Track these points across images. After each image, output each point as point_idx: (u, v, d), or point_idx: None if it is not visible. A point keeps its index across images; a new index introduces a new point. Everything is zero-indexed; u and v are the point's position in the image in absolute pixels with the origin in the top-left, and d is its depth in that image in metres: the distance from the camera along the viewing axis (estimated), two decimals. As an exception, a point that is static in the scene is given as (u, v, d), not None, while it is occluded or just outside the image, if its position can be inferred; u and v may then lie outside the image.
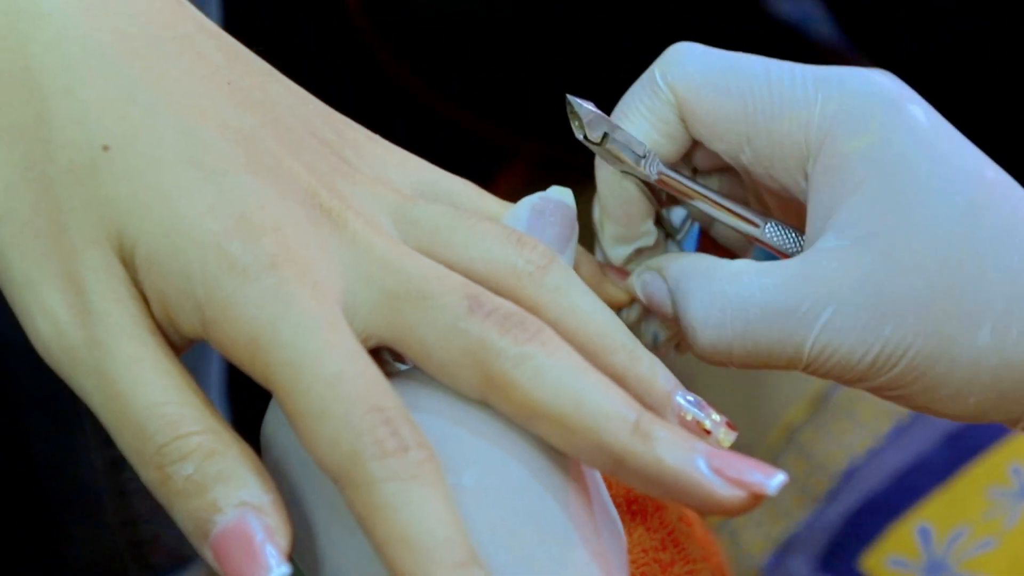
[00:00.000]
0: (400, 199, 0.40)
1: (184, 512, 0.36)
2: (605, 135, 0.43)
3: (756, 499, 0.35)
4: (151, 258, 0.36)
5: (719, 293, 0.42)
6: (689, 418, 0.38)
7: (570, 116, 0.43)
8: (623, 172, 0.44)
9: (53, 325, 0.37)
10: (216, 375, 0.63)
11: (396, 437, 0.34)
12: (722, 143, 0.43)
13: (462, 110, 0.87)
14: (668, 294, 0.43)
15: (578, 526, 0.37)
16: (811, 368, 0.41)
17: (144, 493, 0.58)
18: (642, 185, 0.44)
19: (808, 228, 0.42)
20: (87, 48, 0.38)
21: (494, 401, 0.37)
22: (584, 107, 0.43)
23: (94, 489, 0.58)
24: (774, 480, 0.36)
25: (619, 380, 0.37)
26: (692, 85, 0.43)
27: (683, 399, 0.39)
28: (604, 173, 0.45)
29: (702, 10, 0.87)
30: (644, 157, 0.43)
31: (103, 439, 0.56)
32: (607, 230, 0.46)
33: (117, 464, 0.57)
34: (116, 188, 0.37)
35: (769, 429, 0.51)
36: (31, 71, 0.38)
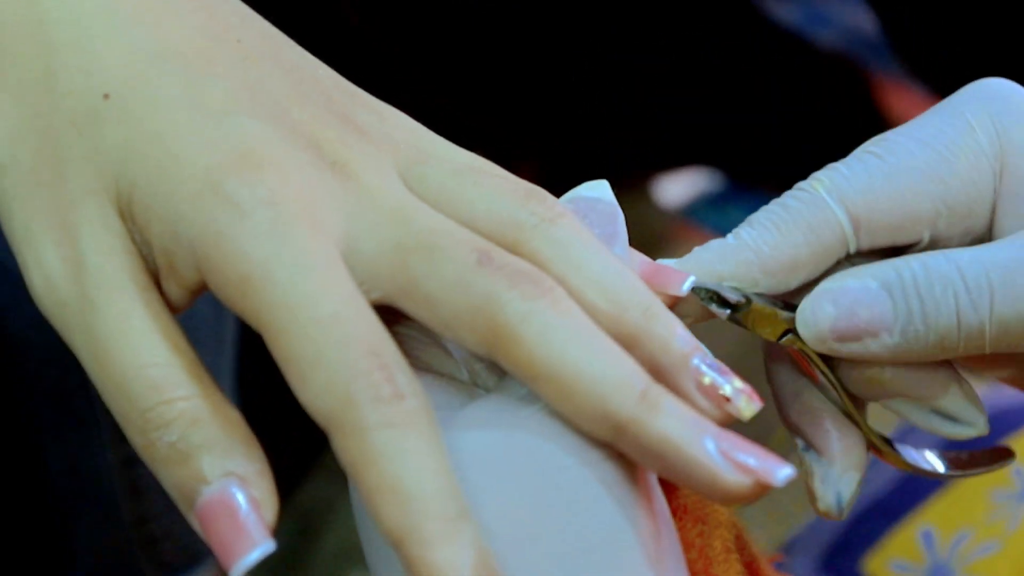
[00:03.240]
0: (408, 157, 0.38)
1: (169, 479, 0.35)
2: (746, 299, 0.39)
3: (761, 489, 0.34)
4: (146, 203, 0.36)
5: (990, 262, 0.38)
6: (707, 382, 0.36)
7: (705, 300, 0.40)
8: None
9: (45, 278, 0.36)
10: (228, 368, 0.64)
11: (392, 384, 0.33)
12: (913, 226, 0.40)
13: (473, 111, 0.87)
14: (891, 301, 0.39)
15: (636, 529, 0.35)
16: None
17: (158, 491, 0.58)
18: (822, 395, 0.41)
19: (998, 228, 0.41)
20: (99, 4, 0.38)
21: (499, 358, 0.35)
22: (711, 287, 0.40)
23: (107, 486, 0.58)
24: (782, 472, 0.34)
25: (632, 340, 0.35)
26: (867, 200, 0.40)
27: (702, 362, 0.36)
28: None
29: (700, 18, 0.87)
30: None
31: (117, 436, 0.56)
32: (823, 474, 0.41)
33: (131, 462, 0.57)
34: (114, 136, 0.36)
35: (773, 432, 0.51)
36: (43, 24, 0.38)
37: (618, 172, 1.00)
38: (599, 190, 0.39)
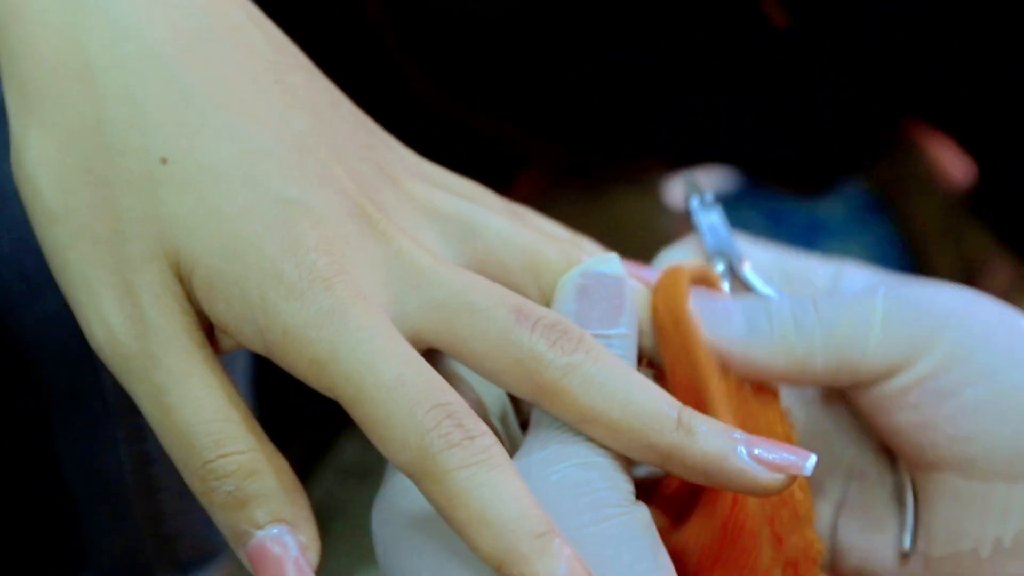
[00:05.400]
0: (436, 212, 0.41)
1: (223, 521, 0.38)
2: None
3: (793, 480, 0.38)
4: (211, 281, 0.38)
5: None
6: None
7: (689, 189, 0.45)
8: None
9: (108, 332, 0.39)
10: (242, 367, 0.64)
11: (461, 428, 0.36)
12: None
13: (478, 113, 0.87)
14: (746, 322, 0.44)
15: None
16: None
17: (171, 490, 0.59)
18: None
19: None
20: (144, 46, 0.39)
21: (546, 406, 0.38)
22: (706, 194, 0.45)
23: (121, 485, 0.58)
24: (809, 462, 0.38)
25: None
26: None
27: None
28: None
29: (706, 19, 0.87)
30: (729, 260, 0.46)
31: (130, 436, 0.56)
32: None
33: (144, 460, 0.57)
34: (175, 204, 0.38)
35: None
36: (89, 68, 0.39)
37: (627, 171, 1.00)
38: (608, 264, 0.42)
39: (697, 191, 0.46)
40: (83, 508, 0.60)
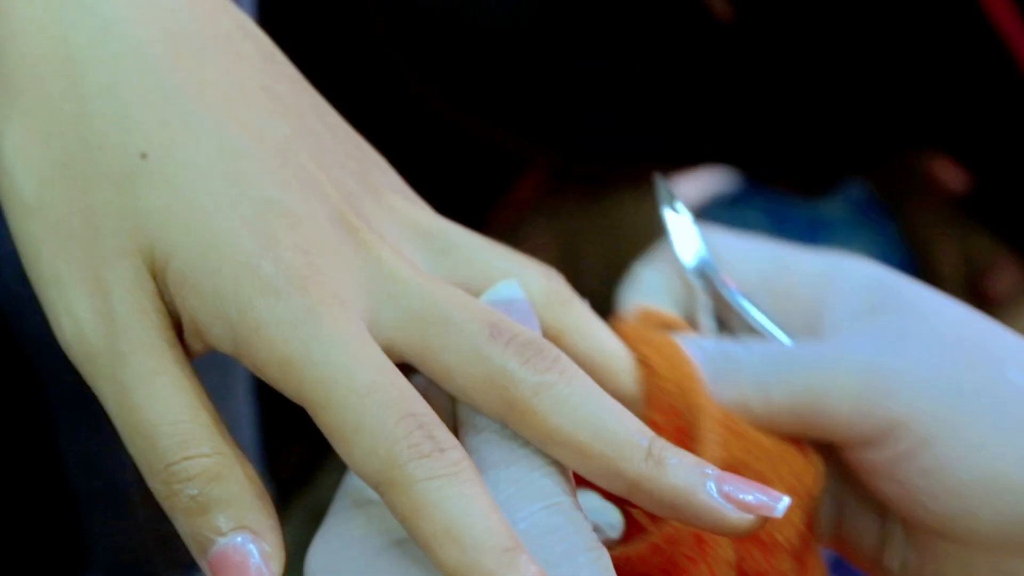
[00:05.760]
0: (417, 226, 0.41)
1: (186, 527, 0.37)
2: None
3: (763, 521, 0.37)
4: (184, 275, 0.37)
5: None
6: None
7: (662, 197, 0.45)
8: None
9: (76, 328, 0.38)
10: (244, 367, 0.64)
11: (431, 440, 0.35)
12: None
13: (478, 119, 0.88)
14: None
15: None
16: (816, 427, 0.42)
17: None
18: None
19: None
20: (130, 45, 0.38)
21: (514, 425, 0.37)
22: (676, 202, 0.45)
23: (123, 485, 0.58)
24: (780, 504, 0.37)
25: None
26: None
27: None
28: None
29: (702, 25, 0.87)
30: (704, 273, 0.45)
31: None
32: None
33: (146, 460, 0.57)
34: (152, 199, 0.37)
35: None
36: (73, 63, 0.38)
37: (630, 171, 1.00)
38: (510, 289, 0.41)
39: (669, 199, 0.46)
40: (86, 507, 0.60)
